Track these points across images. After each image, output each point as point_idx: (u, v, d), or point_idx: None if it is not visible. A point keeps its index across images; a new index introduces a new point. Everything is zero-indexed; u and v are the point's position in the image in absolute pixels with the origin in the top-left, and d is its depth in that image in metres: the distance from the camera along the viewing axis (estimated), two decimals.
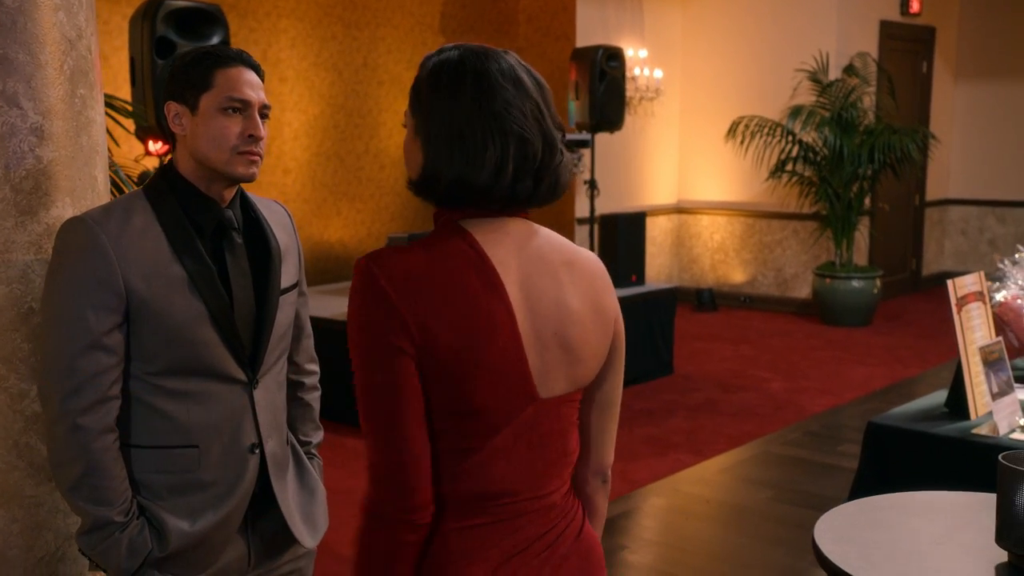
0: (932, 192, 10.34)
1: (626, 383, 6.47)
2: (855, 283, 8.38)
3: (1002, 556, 1.93)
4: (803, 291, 9.08)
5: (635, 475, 4.92)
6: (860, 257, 9.10)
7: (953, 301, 3.07)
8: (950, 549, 2.01)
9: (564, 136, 1.45)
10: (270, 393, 1.93)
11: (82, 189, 1.99)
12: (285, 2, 7.06)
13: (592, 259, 1.49)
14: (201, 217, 1.83)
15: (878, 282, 8.50)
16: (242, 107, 1.81)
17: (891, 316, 8.85)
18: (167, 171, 1.85)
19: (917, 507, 2.22)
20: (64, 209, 1.95)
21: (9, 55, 1.85)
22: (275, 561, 1.98)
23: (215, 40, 4.90)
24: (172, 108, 1.82)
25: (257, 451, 1.89)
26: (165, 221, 1.79)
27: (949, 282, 3.09)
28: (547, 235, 1.46)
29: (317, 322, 5.73)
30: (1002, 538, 1.89)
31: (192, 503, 1.83)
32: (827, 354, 7.49)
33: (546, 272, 1.42)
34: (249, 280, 1.89)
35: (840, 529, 2.02)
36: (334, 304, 6.09)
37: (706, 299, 9.28)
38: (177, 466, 1.82)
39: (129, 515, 1.77)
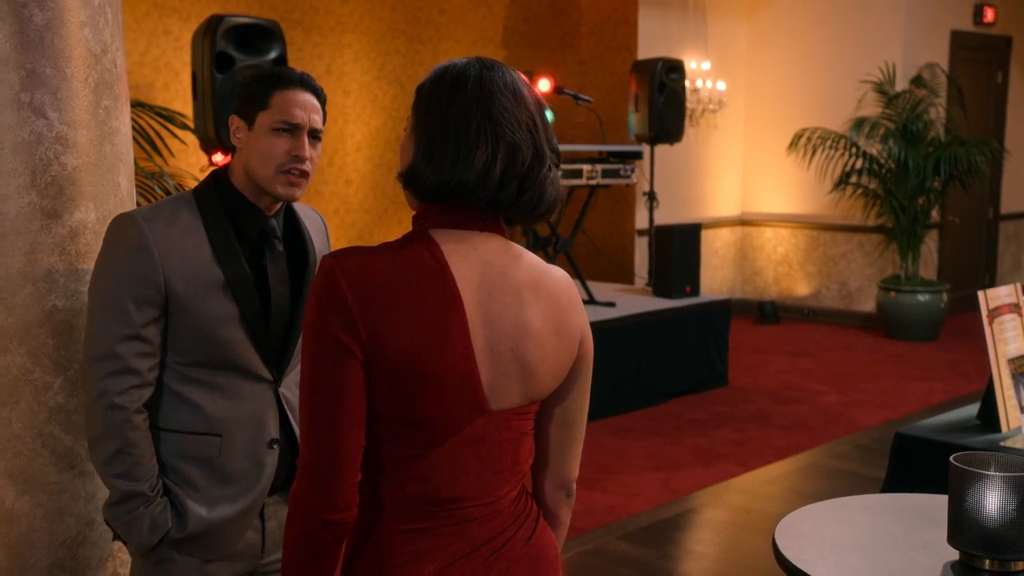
0: (1008, 205, 10.08)
1: (678, 393, 6.48)
2: (921, 297, 8.23)
3: (955, 555, 1.95)
4: (867, 305, 8.94)
5: (679, 484, 4.92)
6: (928, 271, 8.92)
7: (984, 313, 3.04)
8: (906, 547, 2.02)
9: (557, 155, 1.48)
10: (293, 392, 2.03)
11: (105, 194, 2.12)
12: (349, 17, 7.24)
13: (561, 279, 1.51)
14: (246, 224, 1.95)
15: (945, 296, 8.32)
16: (291, 128, 1.92)
17: (959, 331, 8.65)
18: (219, 177, 1.98)
19: (885, 507, 2.24)
20: (87, 213, 2.08)
21: (37, 69, 1.98)
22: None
23: (273, 55, 5.07)
24: (234, 122, 1.96)
25: (276, 446, 1.99)
26: (210, 225, 1.92)
27: (980, 293, 3.05)
28: (517, 254, 1.48)
29: None
30: (953, 538, 1.91)
31: (212, 493, 1.94)
32: (887, 368, 7.37)
33: (508, 289, 1.43)
34: (287, 286, 2.00)
35: (802, 526, 2.04)
36: None
37: (768, 312, 9.19)
38: (200, 452, 1.93)
39: (155, 491, 1.90)
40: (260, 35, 5.08)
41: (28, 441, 2.04)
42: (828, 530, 2.05)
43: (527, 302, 1.44)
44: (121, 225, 1.89)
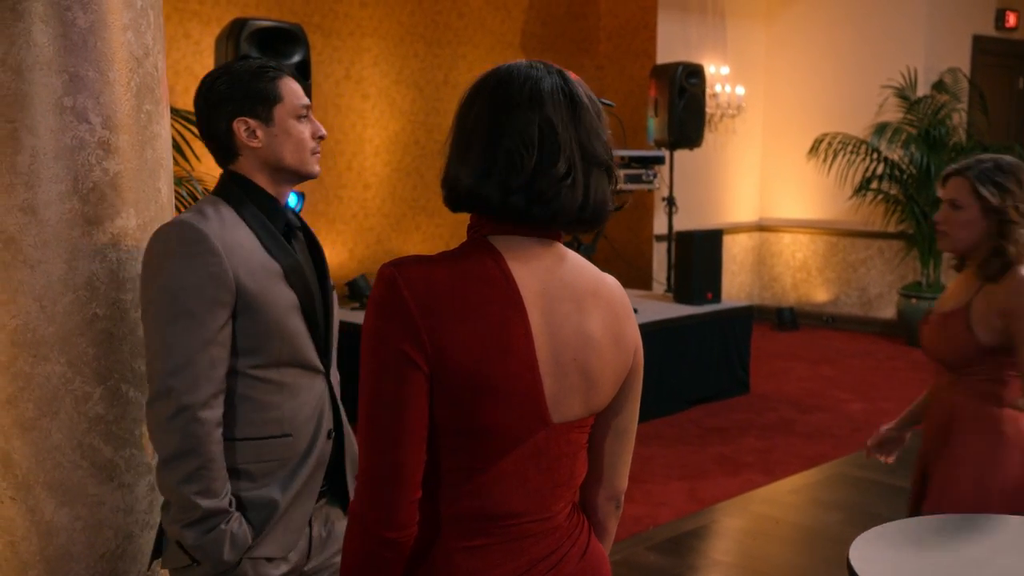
0: None
1: (699, 401, 6.42)
2: None
3: None
4: (887, 311, 8.87)
5: (704, 494, 4.87)
6: (948, 278, 8.85)
7: None
8: (987, 572, 1.96)
9: (608, 166, 1.41)
10: (336, 382, 2.04)
11: (146, 201, 2.08)
12: (368, 21, 7.21)
13: (616, 287, 1.48)
14: (272, 217, 1.94)
15: None
16: (307, 112, 1.96)
17: None
18: (234, 176, 1.95)
19: (962, 529, 2.17)
20: (128, 220, 2.04)
21: (80, 72, 1.94)
22: (326, 552, 2.04)
23: (296, 58, 5.05)
24: (243, 124, 1.90)
25: (332, 437, 1.99)
26: (251, 221, 1.90)
27: None
28: (575, 261, 1.45)
29: None
30: None
31: (282, 477, 1.91)
32: (910, 376, 7.30)
33: (570, 298, 1.40)
34: (315, 275, 2.01)
35: (877, 549, 1.98)
36: None
37: (787, 318, 9.13)
38: (275, 455, 1.91)
39: (233, 505, 1.86)
40: (284, 38, 5.05)
41: (68, 452, 2.00)
42: (905, 554, 1.99)
43: (588, 311, 1.42)
44: (177, 231, 1.84)
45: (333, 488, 2.03)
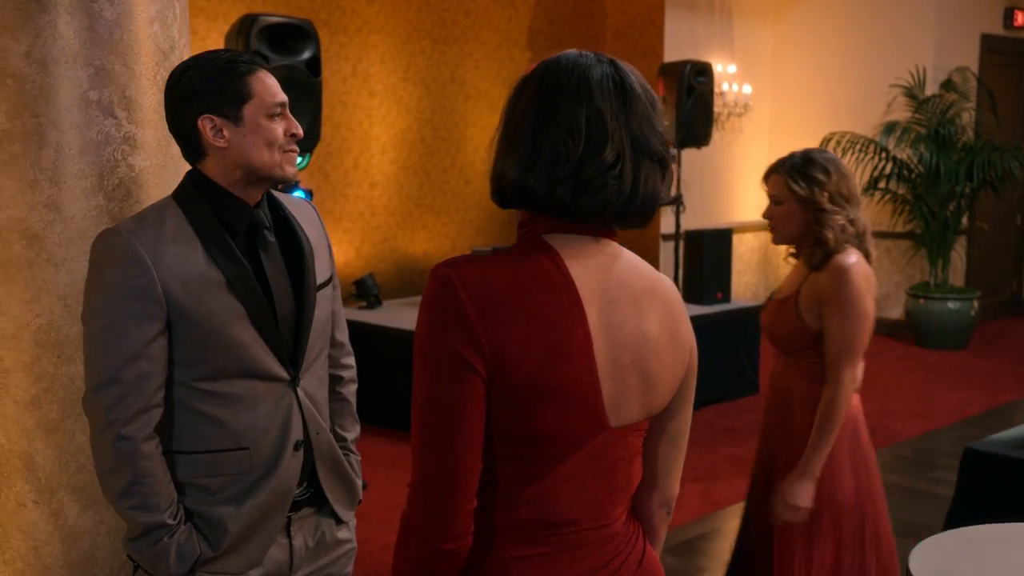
0: None
1: (710, 401, 6.37)
2: (951, 304, 8.12)
3: None
4: (895, 312, 8.83)
5: (717, 495, 4.82)
6: (956, 278, 8.81)
7: None
8: None
9: (662, 158, 1.35)
10: (313, 389, 1.94)
11: None
12: (375, 18, 7.17)
13: (671, 286, 1.44)
14: (233, 218, 1.83)
15: (976, 304, 8.21)
16: (282, 110, 1.83)
17: (989, 339, 8.54)
18: (196, 178, 1.84)
19: (1019, 539, 2.12)
20: None
21: (106, 66, 1.90)
22: (318, 561, 1.97)
23: (307, 55, 5.00)
24: (209, 122, 1.78)
25: (302, 448, 1.89)
26: (198, 225, 1.79)
27: None
28: (629, 259, 1.40)
29: (399, 334, 5.79)
30: None
31: (239, 490, 1.83)
32: (920, 376, 7.26)
33: (627, 298, 1.36)
34: (286, 277, 1.89)
35: (936, 560, 1.94)
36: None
37: None
38: (229, 469, 1.83)
39: (177, 519, 1.78)
40: (294, 35, 5.00)
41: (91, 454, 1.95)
42: (966, 565, 1.95)
43: (645, 310, 1.37)
44: (106, 241, 1.76)
45: (316, 497, 1.95)
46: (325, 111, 6.14)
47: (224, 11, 6.28)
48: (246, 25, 4.85)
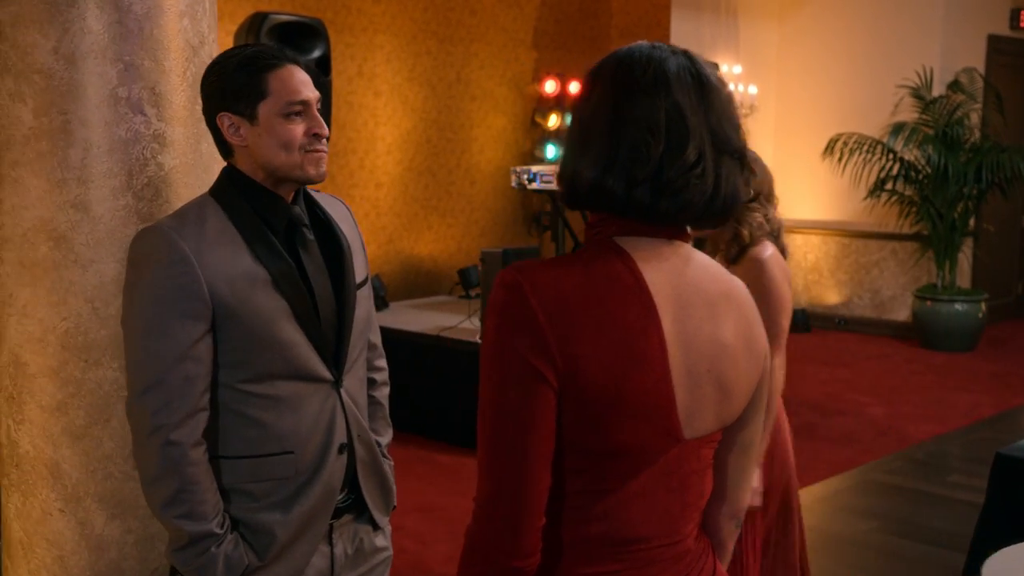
0: None
1: None
2: (958, 306, 8.08)
3: None
4: (901, 314, 8.79)
5: None
6: (962, 280, 8.77)
7: None
8: None
9: (741, 154, 1.30)
10: (355, 391, 1.89)
11: None
12: (381, 18, 7.11)
13: (744, 289, 1.37)
14: (271, 215, 1.77)
15: (983, 306, 8.18)
16: (303, 108, 1.75)
17: (997, 341, 8.50)
18: (232, 173, 1.78)
19: None
20: None
21: (135, 61, 1.84)
22: (357, 569, 1.93)
23: (317, 54, 4.94)
24: (226, 120, 1.73)
25: (346, 451, 1.84)
26: (239, 222, 1.74)
27: None
28: (702, 261, 1.34)
29: (407, 336, 5.73)
30: None
31: (284, 496, 1.78)
32: (929, 379, 7.22)
33: (702, 303, 1.29)
34: (326, 276, 1.84)
35: (1011, 571, 1.88)
36: (424, 318, 6.07)
37: (799, 320, 9.03)
38: (275, 473, 1.77)
39: (224, 528, 1.72)
40: (304, 33, 4.94)
41: (119, 463, 1.90)
42: None
43: (720, 316, 1.31)
44: (147, 239, 1.70)
45: (356, 503, 1.90)
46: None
47: (230, 10, 6.22)
48: (256, 23, 4.79)
